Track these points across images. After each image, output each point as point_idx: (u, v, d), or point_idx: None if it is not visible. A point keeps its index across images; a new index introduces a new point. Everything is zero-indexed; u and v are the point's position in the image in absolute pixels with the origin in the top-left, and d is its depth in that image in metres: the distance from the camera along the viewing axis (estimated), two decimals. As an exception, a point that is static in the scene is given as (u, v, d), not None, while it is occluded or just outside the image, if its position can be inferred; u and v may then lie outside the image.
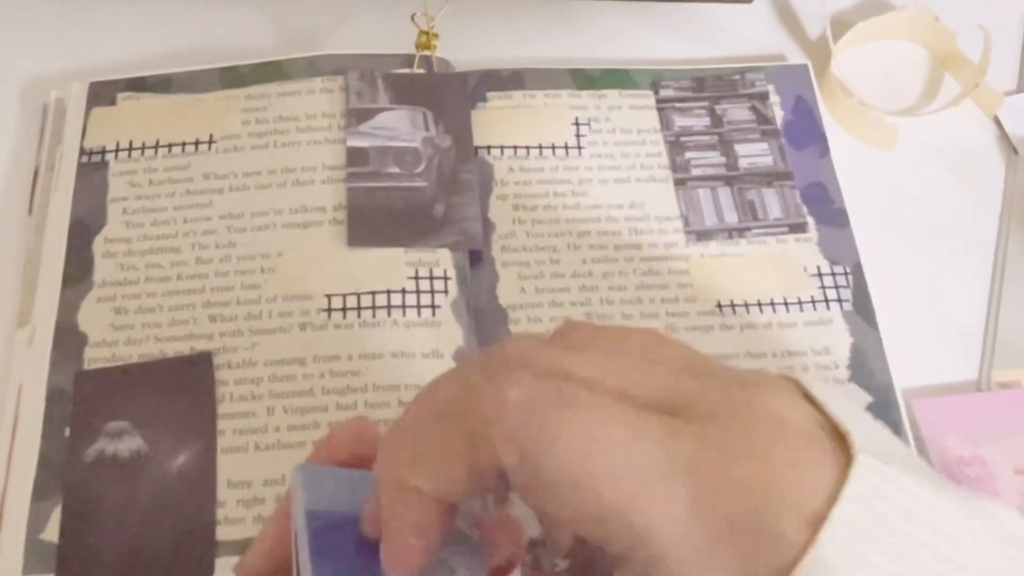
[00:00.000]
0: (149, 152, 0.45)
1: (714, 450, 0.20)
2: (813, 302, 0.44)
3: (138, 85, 0.47)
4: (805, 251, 0.45)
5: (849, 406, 0.21)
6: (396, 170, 0.44)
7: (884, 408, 0.41)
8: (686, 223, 0.45)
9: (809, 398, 0.21)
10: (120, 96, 0.47)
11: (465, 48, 0.49)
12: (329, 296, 0.41)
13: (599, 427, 0.20)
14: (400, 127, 0.45)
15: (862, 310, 0.44)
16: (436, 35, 0.47)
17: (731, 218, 0.45)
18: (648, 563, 0.20)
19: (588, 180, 0.46)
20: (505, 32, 0.52)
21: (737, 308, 0.43)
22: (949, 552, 0.19)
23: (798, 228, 0.45)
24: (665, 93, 0.49)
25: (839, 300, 0.44)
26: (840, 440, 0.20)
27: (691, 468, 0.19)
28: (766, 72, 0.50)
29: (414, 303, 0.41)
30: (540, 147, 0.47)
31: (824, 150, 0.48)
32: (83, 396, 0.39)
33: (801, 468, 0.19)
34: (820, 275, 0.44)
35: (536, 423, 0.20)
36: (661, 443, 0.20)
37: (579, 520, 0.20)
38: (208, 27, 0.51)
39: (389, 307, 0.41)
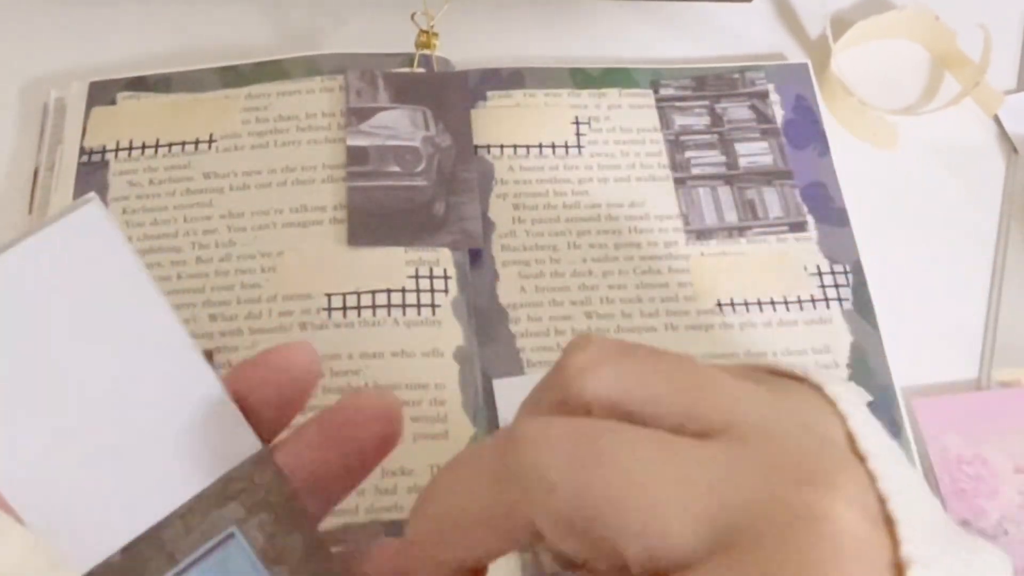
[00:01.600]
0: (149, 152, 0.45)
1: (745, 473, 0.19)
2: (813, 301, 0.44)
3: (138, 85, 0.47)
4: (805, 250, 0.45)
5: (884, 441, 0.21)
6: (396, 169, 0.44)
7: (884, 407, 0.41)
8: (686, 222, 0.45)
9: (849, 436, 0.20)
10: (120, 96, 0.47)
11: (465, 47, 0.49)
12: (329, 295, 0.41)
13: (636, 454, 0.19)
14: (400, 126, 0.45)
15: (862, 309, 0.44)
16: (436, 34, 0.47)
17: (731, 217, 0.45)
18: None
19: (588, 179, 0.46)
20: (505, 31, 0.52)
21: (737, 307, 0.43)
22: None
23: (798, 227, 0.45)
24: (665, 92, 0.49)
25: (839, 299, 0.44)
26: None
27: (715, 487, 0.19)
28: (766, 71, 0.50)
29: (414, 302, 0.41)
30: (540, 146, 0.47)
31: (824, 149, 0.48)
32: None
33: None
34: (820, 274, 0.44)
35: (575, 456, 0.19)
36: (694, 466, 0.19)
37: (617, 540, 0.19)
38: (208, 27, 0.51)
39: (389, 306, 0.41)
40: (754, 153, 0.47)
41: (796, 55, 0.52)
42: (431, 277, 0.42)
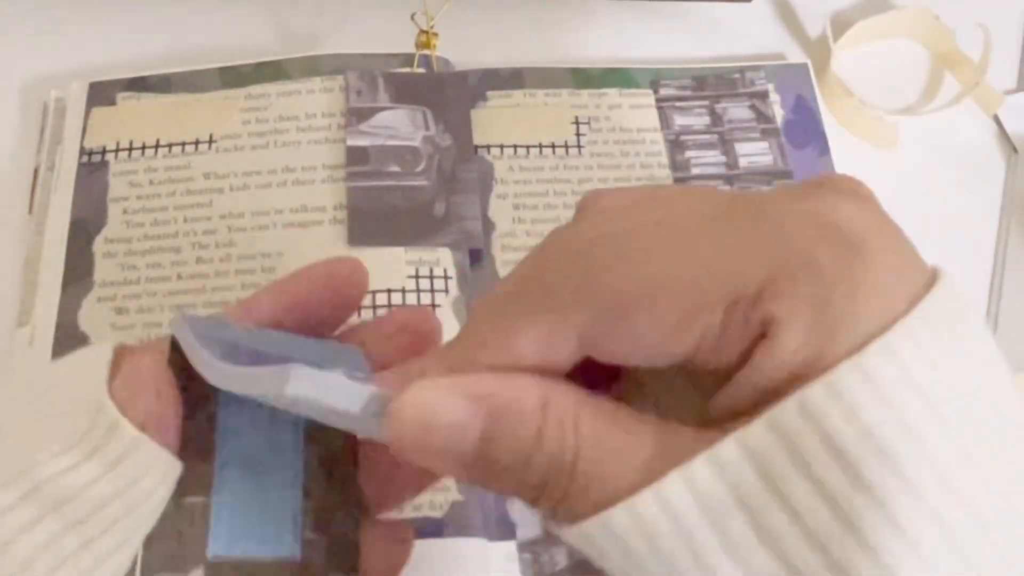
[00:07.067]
0: (149, 152, 0.45)
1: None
2: (813, 301, 0.44)
3: (138, 85, 0.47)
4: (805, 250, 0.45)
5: None
6: (396, 169, 0.44)
7: (884, 407, 0.41)
8: (686, 222, 0.45)
9: None
10: (120, 96, 0.47)
11: (465, 47, 0.49)
12: (329, 295, 0.41)
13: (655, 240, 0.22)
14: (400, 126, 0.45)
15: (862, 309, 0.44)
16: (436, 34, 0.47)
17: (731, 217, 0.45)
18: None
19: (588, 179, 0.46)
20: (505, 31, 0.52)
21: (737, 307, 0.43)
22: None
23: (798, 227, 0.45)
24: (665, 92, 0.49)
25: (839, 299, 0.44)
26: None
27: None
28: (766, 71, 0.50)
29: (414, 302, 0.41)
30: (540, 146, 0.47)
31: (824, 149, 0.48)
32: None
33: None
34: (820, 274, 0.44)
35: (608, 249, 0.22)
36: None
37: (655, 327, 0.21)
38: (208, 27, 0.51)
39: (390, 306, 0.41)
40: (754, 153, 0.47)
41: (796, 55, 0.52)
42: (431, 277, 0.42)
